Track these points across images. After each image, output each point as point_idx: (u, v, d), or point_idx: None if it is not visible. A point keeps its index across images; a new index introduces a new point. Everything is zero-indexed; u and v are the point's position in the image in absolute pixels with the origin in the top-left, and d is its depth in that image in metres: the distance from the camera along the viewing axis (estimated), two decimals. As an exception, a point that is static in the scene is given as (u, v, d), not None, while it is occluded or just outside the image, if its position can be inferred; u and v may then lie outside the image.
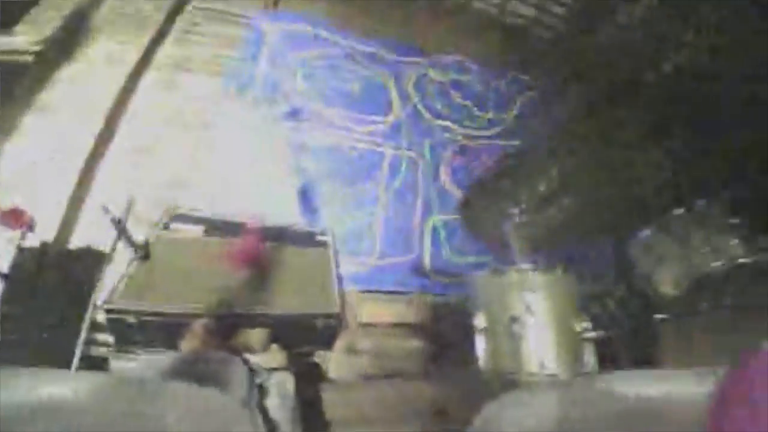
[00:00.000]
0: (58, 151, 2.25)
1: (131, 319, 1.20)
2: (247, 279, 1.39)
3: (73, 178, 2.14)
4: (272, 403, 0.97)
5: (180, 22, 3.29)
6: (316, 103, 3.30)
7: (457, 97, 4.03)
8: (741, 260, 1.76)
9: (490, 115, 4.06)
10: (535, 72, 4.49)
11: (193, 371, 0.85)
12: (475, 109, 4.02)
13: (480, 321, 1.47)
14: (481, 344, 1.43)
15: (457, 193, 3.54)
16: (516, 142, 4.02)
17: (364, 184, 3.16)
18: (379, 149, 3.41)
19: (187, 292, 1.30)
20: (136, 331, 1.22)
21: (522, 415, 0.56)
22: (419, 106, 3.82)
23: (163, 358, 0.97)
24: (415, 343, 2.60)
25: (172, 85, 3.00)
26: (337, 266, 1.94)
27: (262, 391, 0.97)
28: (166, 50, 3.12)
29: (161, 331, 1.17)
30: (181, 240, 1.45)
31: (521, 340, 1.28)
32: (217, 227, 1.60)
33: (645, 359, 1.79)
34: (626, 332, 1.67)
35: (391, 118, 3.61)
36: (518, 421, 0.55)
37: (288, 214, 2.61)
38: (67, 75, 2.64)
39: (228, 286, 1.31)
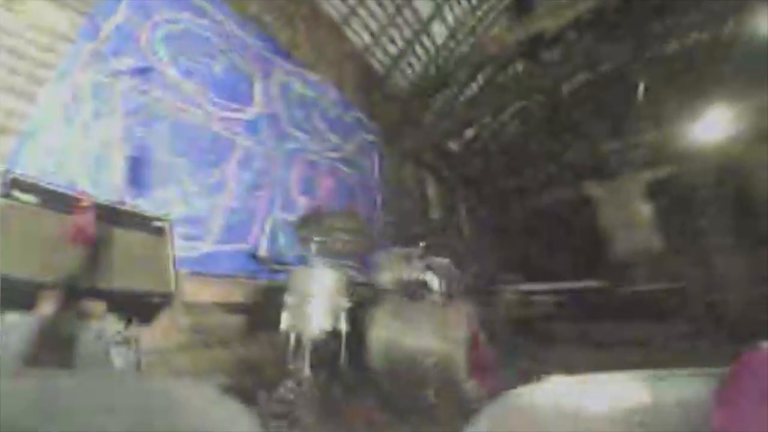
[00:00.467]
0: None
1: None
2: (84, 255, 1.47)
3: None
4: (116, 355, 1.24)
5: None
6: (171, 70, 3.15)
7: (315, 115, 4.55)
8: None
9: (338, 140, 4.80)
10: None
11: (51, 332, 1.07)
12: (328, 132, 4.67)
13: (287, 300, 2.19)
14: (285, 316, 2.16)
15: (299, 199, 4.09)
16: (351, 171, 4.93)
17: (212, 169, 3.27)
18: (235, 137, 3.55)
19: (33, 262, 1.27)
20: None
21: (523, 414, 0.56)
22: (281, 110, 4.15)
23: (22, 321, 1.07)
24: (235, 318, 3.06)
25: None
26: (173, 250, 2.14)
27: (107, 348, 1.22)
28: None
29: (13, 294, 1.12)
30: (20, 209, 1.33)
31: (307, 311, 2.09)
32: (52, 199, 1.54)
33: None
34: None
35: (252, 111, 3.77)
36: (520, 421, 0.55)
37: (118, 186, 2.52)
38: None
39: (69, 259, 1.36)
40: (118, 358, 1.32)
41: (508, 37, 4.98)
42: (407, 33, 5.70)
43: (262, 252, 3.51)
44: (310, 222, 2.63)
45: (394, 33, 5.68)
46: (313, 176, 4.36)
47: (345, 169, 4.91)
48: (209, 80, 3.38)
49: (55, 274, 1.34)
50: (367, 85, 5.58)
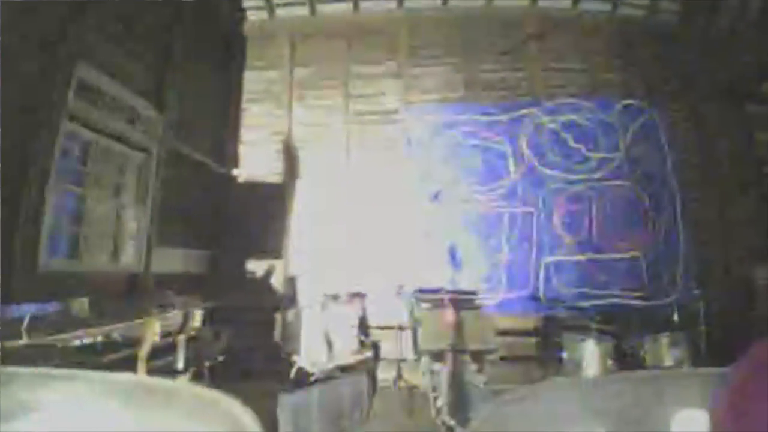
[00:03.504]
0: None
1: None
2: (456, 332, 3.03)
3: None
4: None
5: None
6: (451, 182, 4.55)
7: (569, 140, 4.66)
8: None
9: (602, 154, 4.62)
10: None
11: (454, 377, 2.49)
12: (587, 150, 4.62)
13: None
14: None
15: (565, 237, 4.59)
16: (621, 181, 4.69)
17: (490, 239, 4.52)
18: (500, 209, 4.57)
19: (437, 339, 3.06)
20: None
21: (523, 414, 0.58)
22: (533, 161, 4.76)
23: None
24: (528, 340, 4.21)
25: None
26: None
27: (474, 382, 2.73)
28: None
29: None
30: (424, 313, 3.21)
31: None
32: (435, 301, 3.29)
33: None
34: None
35: (507, 181, 4.67)
36: (522, 419, 0.57)
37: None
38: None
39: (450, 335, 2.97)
40: (475, 388, 2.72)
41: None
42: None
43: (539, 293, 4.40)
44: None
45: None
46: (577, 209, 4.55)
47: (619, 182, 4.58)
48: (474, 175, 4.61)
49: (448, 343, 2.90)
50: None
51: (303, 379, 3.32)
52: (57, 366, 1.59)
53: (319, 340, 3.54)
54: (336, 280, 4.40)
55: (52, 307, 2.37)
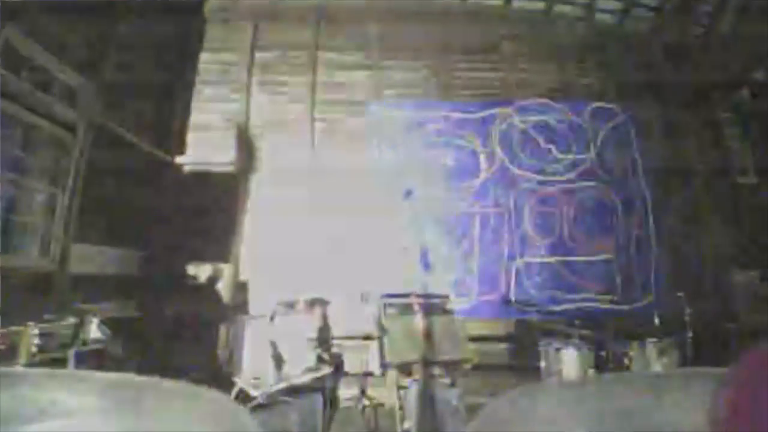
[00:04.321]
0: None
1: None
2: (427, 341, 2.65)
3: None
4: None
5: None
6: (422, 180, 4.24)
7: (540, 140, 4.58)
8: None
9: (573, 155, 4.56)
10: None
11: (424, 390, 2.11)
12: (559, 151, 4.54)
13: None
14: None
15: (537, 239, 4.40)
16: (592, 183, 4.60)
17: (461, 242, 4.24)
18: (471, 209, 4.34)
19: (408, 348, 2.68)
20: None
21: (523, 414, 0.58)
22: (504, 161, 4.59)
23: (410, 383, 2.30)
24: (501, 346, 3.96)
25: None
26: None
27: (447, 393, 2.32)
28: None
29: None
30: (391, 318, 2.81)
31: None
32: (404, 306, 2.90)
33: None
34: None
35: (478, 181, 4.45)
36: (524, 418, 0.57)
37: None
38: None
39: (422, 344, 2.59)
40: (448, 406, 2.32)
41: None
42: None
43: (511, 296, 4.15)
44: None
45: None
46: (549, 211, 4.42)
47: (583, 183, 4.55)
48: (445, 174, 4.36)
49: (418, 354, 2.50)
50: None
51: (243, 404, 2.76)
52: None
53: (264, 357, 3.00)
54: (295, 286, 3.90)
55: None
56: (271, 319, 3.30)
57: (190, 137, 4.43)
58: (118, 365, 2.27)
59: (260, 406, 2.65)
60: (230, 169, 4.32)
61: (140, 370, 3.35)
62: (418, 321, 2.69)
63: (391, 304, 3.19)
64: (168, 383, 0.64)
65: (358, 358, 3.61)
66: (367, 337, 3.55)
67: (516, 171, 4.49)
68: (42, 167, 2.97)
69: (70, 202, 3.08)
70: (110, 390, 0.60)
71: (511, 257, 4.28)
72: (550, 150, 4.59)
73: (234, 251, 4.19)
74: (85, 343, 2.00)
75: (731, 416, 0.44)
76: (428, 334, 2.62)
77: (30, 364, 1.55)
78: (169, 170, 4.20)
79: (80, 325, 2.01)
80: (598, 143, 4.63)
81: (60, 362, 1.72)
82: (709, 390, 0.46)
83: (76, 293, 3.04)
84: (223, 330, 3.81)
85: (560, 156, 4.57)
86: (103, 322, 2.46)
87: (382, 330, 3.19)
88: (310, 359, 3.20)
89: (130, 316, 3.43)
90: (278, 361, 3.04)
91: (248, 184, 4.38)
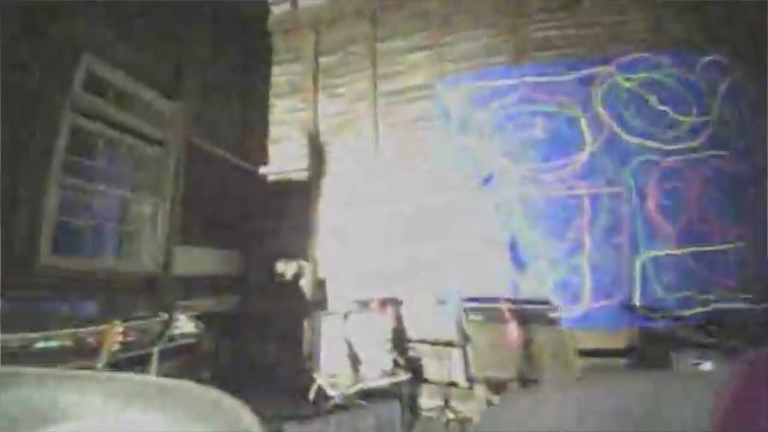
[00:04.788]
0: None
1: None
2: (519, 354, 2.17)
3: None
4: None
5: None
6: (506, 161, 3.65)
7: (652, 101, 3.49)
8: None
9: (693, 118, 3.39)
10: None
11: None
12: (676, 113, 3.43)
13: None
14: None
15: (665, 226, 3.38)
16: (721, 152, 3.29)
17: (565, 233, 3.47)
18: (576, 192, 3.48)
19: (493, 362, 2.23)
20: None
21: (524, 415, 0.57)
22: (614, 128, 3.64)
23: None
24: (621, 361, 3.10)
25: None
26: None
27: None
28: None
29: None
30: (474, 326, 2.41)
31: None
32: (491, 314, 2.46)
33: None
34: None
35: (583, 155, 3.59)
36: (521, 421, 0.56)
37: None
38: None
39: (514, 357, 2.13)
40: None
41: None
42: None
43: (635, 301, 3.24)
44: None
45: None
46: (675, 189, 3.35)
47: (719, 153, 3.32)
48: (535, 149, 3.63)
49: (512, 370, 2.05)
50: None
51: (321, 403, 2.69)
52: None
53: (340, 355, 2.89)
54: (370, 284, 3.77)
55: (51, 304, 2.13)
56: (345, 317, 3.20)
57: (270, 149, 4.73)
58: (209, 361, 2.37)
59: (337, 407, 2.55)
60: (305, 174, 4.46)
61: (230, 366, 3.61)
62: (511, 331, 2.22)
63: (474, 309, 2.76)
64: (168, 382, 0.61)
65: (440, 366, 3.26)
66: (449, 344, 3.17)
67: (630, 139, 3.54)
68: (145, 182, 3.44)
69: (171, 209, 3.53)
70: (110, 390, 0.59)
71: (634, 250, 3.32)
72: (665, 112, 3.49)
73: (313, 249, 4.27)
74: (172, 340, 2.11)
75: (732, 416, 0.42)
76: (525, 348, 2.13)
77: (111, 363, 1.65)
78: (254, 180, 4.55)
79: (168, 322, 2.12)
80: (718, 102, 3.39)
81: (144, 359, 1.82)
82: (710, 390, 0.45)
83: (180, 292, 3.42)
84: (306, 326, 3.80)
85: (679, 118, 3.46)
86: (199, 318, 2.58)
87: (465, 338, 2.81)
88: (386, 362, 2.99)
89: (224, 310, 3.70)
90: (354, 361, 2.91)
91: (322, 186, 4.44)
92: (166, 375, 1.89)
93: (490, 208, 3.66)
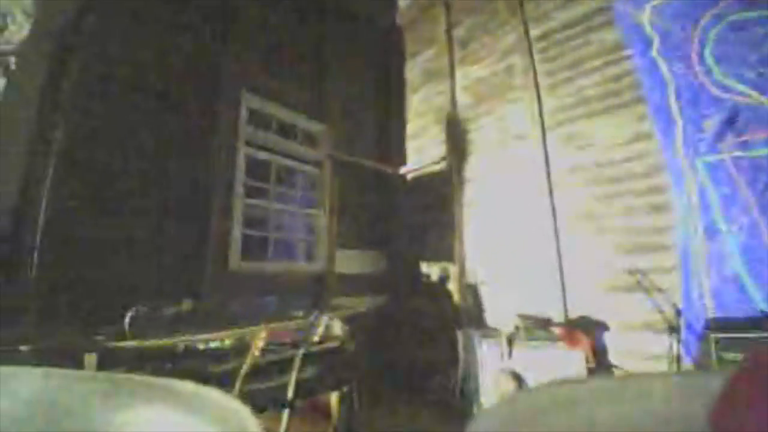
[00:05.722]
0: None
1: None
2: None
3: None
4: None
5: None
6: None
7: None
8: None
9: None
10: None
11: None
12: None
13: None
14: None
15: None
16: None
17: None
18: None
19: None
20: None
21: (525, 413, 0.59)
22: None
23: None
24: None
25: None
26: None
27: None
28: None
29: None
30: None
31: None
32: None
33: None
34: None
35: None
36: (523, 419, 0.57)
37: None
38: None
39: None
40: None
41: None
42: None
43: None
44: None
45: None
46: None
47: None
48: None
49: None
50: None
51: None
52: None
53: (509, 389, 2.35)
54: (536, 295, 3.02)
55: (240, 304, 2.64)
56: (509, 341, 2.62)
57: (408, 147, 4.61)
58: (353, 366, 2.33)
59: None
60: (444, 166, 4.09)
61: (375, 373, 3.62)
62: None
63: (731, 342, 1.70)
64: (168, 382, 0.59)
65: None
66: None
67: None
68: (304, 196, 3.96)
69: (329, 217, 3.92)
70: (110, 389, 0.59)
71: None
72: None
73: (458, 250, 3.85)
74: (319, 342, 2.13)
75: (732, 416, 0.42)
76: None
77: (253, 366, 1.74)
78: (395, 181, 4.53)
79: (314, 323, 2.18)
80: None
81: (287, 363, 1.89)
82: (710, 390, 0.46)
83: (338, 291, 3.71)
84: (462, 338, 3.48)
85: None
86: (346, 320, 2.59)
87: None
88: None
89: (371, 313, 3.77)
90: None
91: (463, 179, 3.96)
92: (306, 380, 1.93)
93: (724, 186, 2.30)
